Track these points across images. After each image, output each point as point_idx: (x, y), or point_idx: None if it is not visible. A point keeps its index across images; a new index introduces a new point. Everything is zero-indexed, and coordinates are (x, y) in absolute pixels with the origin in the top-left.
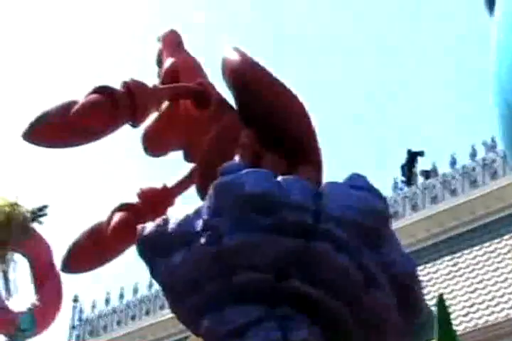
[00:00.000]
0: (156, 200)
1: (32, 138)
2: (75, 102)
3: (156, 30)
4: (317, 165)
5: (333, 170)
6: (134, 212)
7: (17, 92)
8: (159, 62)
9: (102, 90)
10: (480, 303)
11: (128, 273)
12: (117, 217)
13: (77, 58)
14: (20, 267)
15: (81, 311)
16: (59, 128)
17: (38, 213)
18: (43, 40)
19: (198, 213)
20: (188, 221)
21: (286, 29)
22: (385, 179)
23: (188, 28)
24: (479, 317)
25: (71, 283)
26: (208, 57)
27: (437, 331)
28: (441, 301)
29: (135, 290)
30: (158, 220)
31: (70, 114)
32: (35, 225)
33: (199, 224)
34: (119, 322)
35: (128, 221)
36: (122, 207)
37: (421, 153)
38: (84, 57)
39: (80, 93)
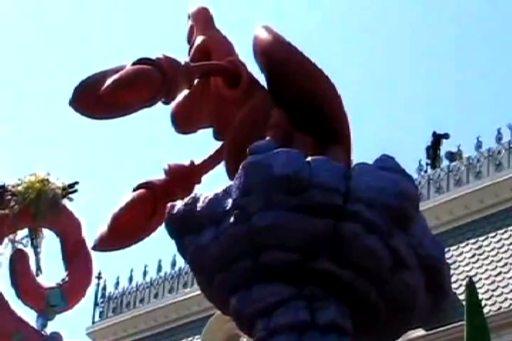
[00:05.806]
0: (184, 177)
1: (75, 106)
2: (115, 71)
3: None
4: (347, 146)
5: (358, 151)
6: (160, 189)
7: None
8: (190, 39)
9: (139, 63)
10: (504, 287)
11: (152, 251)
12: (143, 195)
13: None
14: (50, 243)
15: (104, 288)
16: (93, 99)
17: (69, 190)
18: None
19: (226, 192)
20: (217, 200)
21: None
22: (409, 161)
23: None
24: (503, 301)
25: (94, 260)
26: (238, 35)
27: (467, 313)
28: (471, 284)
29: (159, 268)
30: (187, 199)
31: (104, 86)
32: (65, 202)
33: (228, 203)
34: (142, 300)
35: (155, 199)
36: (147, 185)
37: (446, 136)
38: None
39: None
